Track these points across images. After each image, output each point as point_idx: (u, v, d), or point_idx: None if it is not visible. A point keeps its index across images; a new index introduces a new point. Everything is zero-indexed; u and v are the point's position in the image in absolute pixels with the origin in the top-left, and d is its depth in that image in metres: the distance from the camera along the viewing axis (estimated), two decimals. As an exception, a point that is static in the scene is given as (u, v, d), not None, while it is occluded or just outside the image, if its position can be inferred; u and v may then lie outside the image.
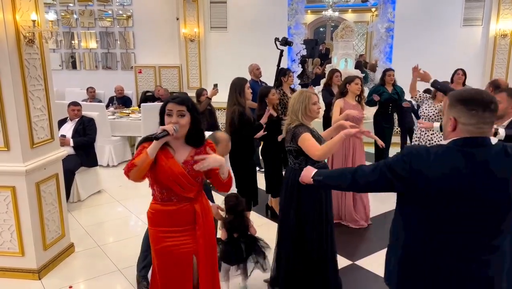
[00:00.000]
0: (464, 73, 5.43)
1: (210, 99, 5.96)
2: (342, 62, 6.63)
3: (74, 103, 5.37)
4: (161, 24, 8.90)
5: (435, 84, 4.33)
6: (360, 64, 9.32)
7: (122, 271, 3.56)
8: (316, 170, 2.04)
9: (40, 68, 3.40)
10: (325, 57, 13.55)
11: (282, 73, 5.32)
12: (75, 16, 9.61)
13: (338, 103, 4.39)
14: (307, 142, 2.83)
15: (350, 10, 16.92)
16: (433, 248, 1.63)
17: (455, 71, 5.46)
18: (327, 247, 3.03)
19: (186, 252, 2.33)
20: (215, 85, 5.68)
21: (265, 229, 4.08)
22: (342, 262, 3.72)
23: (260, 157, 4.73)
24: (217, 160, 2.24)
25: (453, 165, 1.56)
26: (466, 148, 1.59)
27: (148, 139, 2.27)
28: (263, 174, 4.65)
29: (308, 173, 2.03)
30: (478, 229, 1.59)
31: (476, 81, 7.45)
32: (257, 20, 8.09)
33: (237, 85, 4.01)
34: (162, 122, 2.30)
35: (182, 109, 2.24)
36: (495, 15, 7.81)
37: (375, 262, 3.66)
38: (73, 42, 9.85)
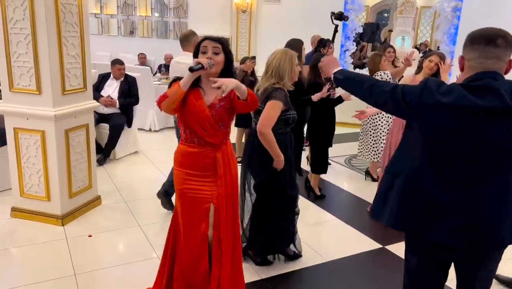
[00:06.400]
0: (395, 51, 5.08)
1: (246, 72, 5.28)
2: (399, 40, 6.15)
3: (120, 62, 5.38)
4: (215, -6, 8.80)
5: None
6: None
7: (142, 227, 3.52)
8: (340, 68, 1.95)
9: (76, 15, 3.37)
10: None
11: (322, 44, 4.99)
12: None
13: (405, 80, 3.71)
14: (270, 112, 2.62)
15: (417, -7, 15.91)
16: (435, 180, 1.63)
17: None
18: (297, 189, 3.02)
19: (204, 198, 2.30)
20: (253, 58, 5.39)
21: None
22: (372, 245, 3.46)
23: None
24: (231, 80, 2.09)
25: (459, 95, 1.54)
26: (475, 82, 1.58)
27: (179, 79, 2.23)
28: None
29: (332, 65, 1.96)
30: (480, 163, 1.58)
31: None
32: (312, -8, 7.73)
33: (294, 48, 3.60)
34: None
35: (217, 46, 2.20)
36: None
37: (403, 249, 3.35)
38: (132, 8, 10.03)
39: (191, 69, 2.11)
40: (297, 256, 3.13)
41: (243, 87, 2.14)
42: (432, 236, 1.67)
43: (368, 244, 3.48)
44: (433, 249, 1.74)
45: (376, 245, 3.46)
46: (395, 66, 5.23)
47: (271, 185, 2.84)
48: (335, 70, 1.93)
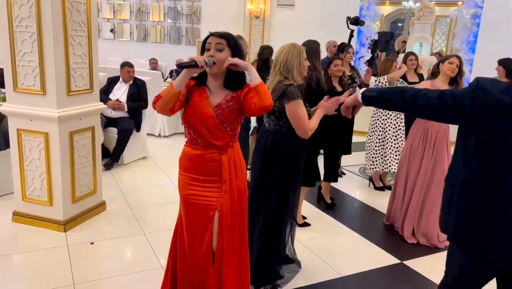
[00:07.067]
0: (417, 58, 4.97)
1: None
2: (417, 46, 5.95)
3: (129, 64, 5.29)
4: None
5: None
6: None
7: (147, 236, 3.37)
8: (364, 90, 1.86)
9: (84, 14, 3.26)
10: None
11: (340, 49, 4.84)
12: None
13: (423, 86, 3.49)
14: (299, 112, 2.50)
15: (433, 2, 15.62)
16: (494, 184, 1.53)
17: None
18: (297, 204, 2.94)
19: (208, 205, 2.12)
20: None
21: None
22: (389, 260, 3.25)
23: None
24: (243, 62, 2.00)
25: None
26: None
27: None
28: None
29: (353, 97, 1.86)
30: None
31: None
32: (327, -2, 7.59)
33: (311, 49, 3.39)
34: None
35: (221, 42, 2.02)
36: None
37: (423, 265, 3.15)
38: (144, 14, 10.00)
39: (179, 66, 1.94)
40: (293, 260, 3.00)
41: (255, 73, 2.00)
42: (493, 247, 1.59)
43: (385, 258, 3.28)
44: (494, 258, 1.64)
45: (393, 260, 3.25)
46: (418, 74, 5.05)
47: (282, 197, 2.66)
48: (360, 92, 1.82)
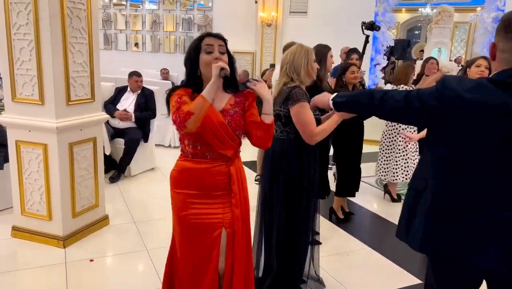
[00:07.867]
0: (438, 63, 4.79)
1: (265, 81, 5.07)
2: (435, 52, 5.70)
3: (137, 74, 5.18)
4: (240, 8, 8.60)
5: None
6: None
7: (150, 252, 3.18)
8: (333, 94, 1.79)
9: (84, 20, 3.13)
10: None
11: (347, 54, 4.63)
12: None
13: None
14: (304, 115, 2.31)
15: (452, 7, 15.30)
16: (458, 188, 1.43)
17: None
18: (314, 218, 2.67)
19: (213, 223, 1.93)
20: (272, 66, 5.07)
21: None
22: (410, 280, 3.00)
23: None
24: (266, 90, 1.97)
25: (485, 96, 1.34)
26: (507, 79, 1.34)
27: (177, 88, 1.93)
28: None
29: (324, 98, 1.82)
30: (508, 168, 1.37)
31: None
32: (341, 4, 7.40)
33: (318, 52, 3.16)
34: (193, 65, 1.92)
35: (222, 44, 1.91)
36: None
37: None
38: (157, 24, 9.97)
39: (225, 75, 1.83)
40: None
41: (271, 107, 1.98)
42: (475, 261, 1.45)
43: (405, 279, 3.02)
44: (470, 273, 1.53)
45: (414, 280, 2.99)
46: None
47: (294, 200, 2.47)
48: (331, 96, 1.76)
